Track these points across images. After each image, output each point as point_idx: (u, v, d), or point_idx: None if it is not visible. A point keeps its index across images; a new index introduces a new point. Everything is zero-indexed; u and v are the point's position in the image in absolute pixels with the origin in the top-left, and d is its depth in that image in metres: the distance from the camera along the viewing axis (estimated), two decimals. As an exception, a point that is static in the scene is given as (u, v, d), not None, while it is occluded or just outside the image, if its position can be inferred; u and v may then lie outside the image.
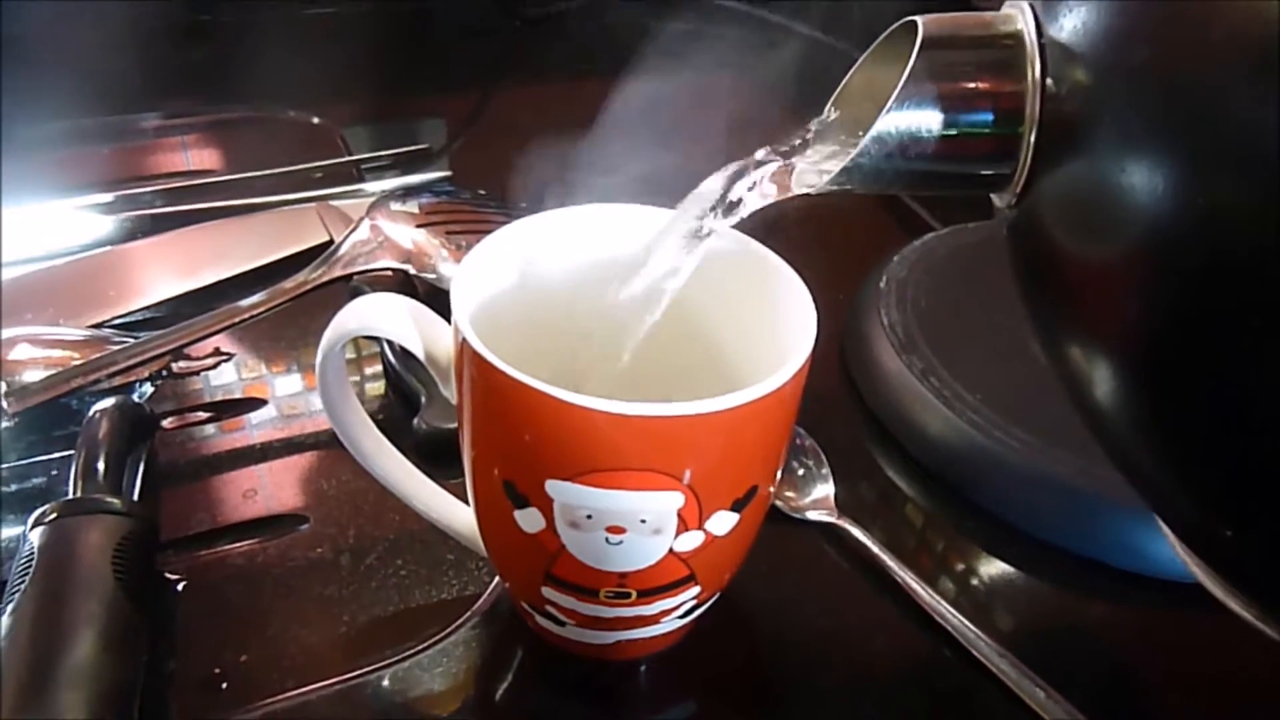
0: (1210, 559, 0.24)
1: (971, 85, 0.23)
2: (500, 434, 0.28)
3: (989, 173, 0.24)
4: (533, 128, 0.66)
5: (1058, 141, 0.22)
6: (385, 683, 0.34)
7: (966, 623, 0.36)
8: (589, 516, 0.27)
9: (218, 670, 0.34)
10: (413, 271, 0.45)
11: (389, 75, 0.74)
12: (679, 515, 0.27)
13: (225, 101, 0.68)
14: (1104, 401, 0.22)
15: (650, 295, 0.29)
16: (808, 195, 0.27)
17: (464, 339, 0.27)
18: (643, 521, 0.27)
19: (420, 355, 0.30)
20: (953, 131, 0.23)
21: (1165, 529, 0.25)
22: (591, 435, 0.26)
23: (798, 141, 0.27)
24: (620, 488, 0.26)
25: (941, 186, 0.25)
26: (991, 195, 0.25)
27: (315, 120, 0.67)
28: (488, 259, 0.31)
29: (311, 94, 0.68)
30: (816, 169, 0.26)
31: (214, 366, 0.47)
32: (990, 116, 0.23)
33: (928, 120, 0.23)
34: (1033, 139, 0.22)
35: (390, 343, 0.44)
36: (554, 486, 0.27)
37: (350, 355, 0.49)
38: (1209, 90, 0.18)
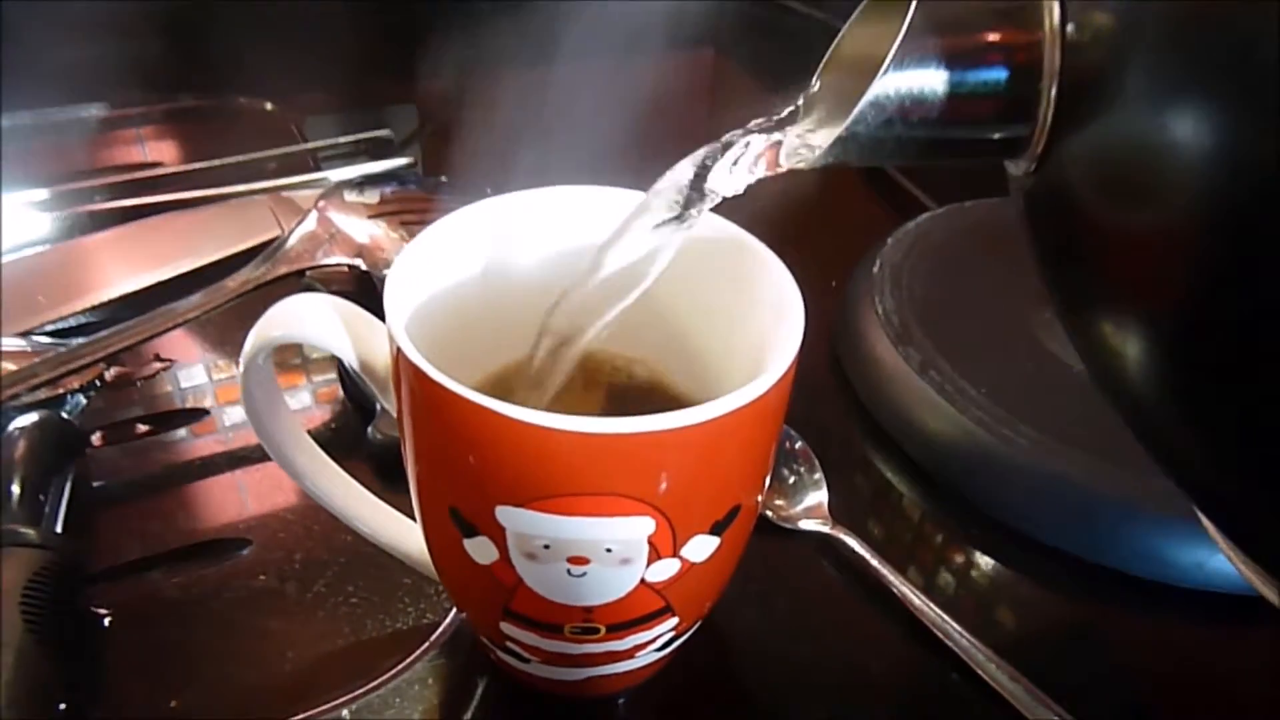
0: (1262, 559, 0.22)
1: (980, 37, 0.20)
2: (442, 455, 0.24)
3: (1003, 136, 0.21)
4: (510, 114, 0.63)
5: (1082, 95, 0.19)
6: (334, 726, 0.30)
7: (973, 640, 0.33)
8: (546, 547, 0.24)
9: (145, 718, 0.30)
10: (363, 267, 0.42)
11: (355, 61, 0.70)
12: (650, 543, 0.24)
13: (174, 90, 0.64)
14: (1144, 384, 0.20)
15: (616, 289, 0.26)
16: (798, 171, 0.24)
17: (398, 347, 0.23)
18: (608, 551, 0.24)
19: (354, 364, 0.26)
20: (960, 91, 0.20)
21: (1211, 528, 0.23)
22: (545, 456, 0.22)
23: (785, 114, 0.24)
24: (581, 514, 0.23)
25: (948, 155, 0.22)
26: (1005, 162, 0.22)
27: (268, 106, 0.63)
28: (428, 252, 0.27)
29: (272, 82, 0.65)
30: (808, 142, 0.24)
31: (152, 375, 0.43)
32: (1003, 72, 0.20)
33: (931, 80, 0.20)
34: (1053, 95, 0.20)
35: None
36: (505, 513, 0.23)
37: (315, 356, 0.45)
38: (1252, 24, 0.15)
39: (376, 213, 0.43)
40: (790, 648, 0.34)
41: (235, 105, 0.63)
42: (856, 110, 0.20)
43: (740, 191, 0.25)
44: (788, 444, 0.39)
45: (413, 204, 0.44)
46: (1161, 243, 0.18)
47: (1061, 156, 0.20)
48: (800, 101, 0.24)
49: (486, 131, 0.62)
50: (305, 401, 0.43)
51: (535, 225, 0.30)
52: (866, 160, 0.22)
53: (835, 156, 0.22)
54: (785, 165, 0.24)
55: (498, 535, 0.24)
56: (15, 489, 0.34)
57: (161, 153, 0.60)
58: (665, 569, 0.25)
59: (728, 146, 0.24)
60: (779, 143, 0.24)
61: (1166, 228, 0.18)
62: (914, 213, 0.52)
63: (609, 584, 0.25)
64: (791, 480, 0.38)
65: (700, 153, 0.25)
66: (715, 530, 0.25)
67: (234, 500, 0.38)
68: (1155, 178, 0.17)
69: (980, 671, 0.32)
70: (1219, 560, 0.35)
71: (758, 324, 0.27)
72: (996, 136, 0.21)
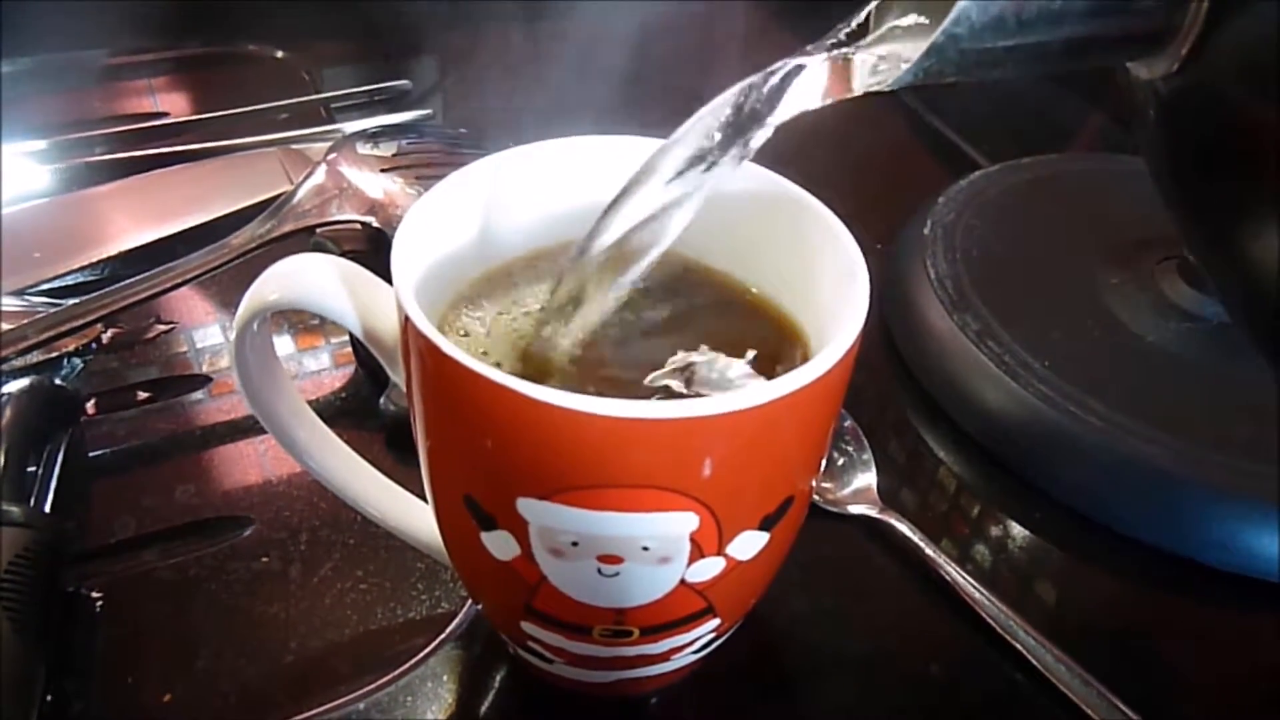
0: None
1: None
2: (456, 438, 0.21)
3: (1143, 27, 0.18)
4: (536, 64, 0.59)
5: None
6: (340, 726, 0.28)
7: (1039, 639, 0.30)
8: (574, 543, 0.21)
9: (135, 714, 0.28)
10: (375, 224, 0.39)
11: (373, 11, 0.66)
12: (692, 540, 0.21)
13: (181, 36, 0.61)
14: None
15: (643, 241, 0.23)
16: (838, 119, 0.20)
17: (406, 316, 0.20)
18: (645, 549, 0.21)
19: (358, 333, 0.23)
20: None
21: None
22: (572, 443, 0.19)
23: (853, 26, 0.21)
24: (614, 509, 0.20)
25: (1066, 60, 0.19)
26: (1131, 65, 0.19)
27: (279, 54, 0.59)
28: (439, 209, 0.24)
29: (285, 32, 0.61)
30: (890, 54, 0.20)
31: (154, 338, 0.40)
32: None
33: None
34: None
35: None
36: (527, 506, 0.20)
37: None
38: None
39: (391, 166, 0.40)
40: (838, 642, 0.31)
41: (245, 53, 0.60)
42: (956, 8, 0.17)
43: (786, 119, 0.21)
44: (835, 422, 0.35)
45: (430, 157, 0.41)
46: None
47: (1220, 48, 0.17)
48: (870, 8, 0.20)
49: (511, 82, 0.59)
50: (323, 363, 0.40)
51: (556, 178, 0.26)
52: (965, 73, 0.18)
53: (925, 71, 0.18)
54: (860, 88, 0.20)
55: (519, 529, 0.21)
56: (0, 461, 0.31)
57: (166, 102, 0.57)
58: (708, 568, 0.22)
59: (776, 71, 0.21)
60: (848, 61, 0.20)
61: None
62: (964, 169, 0.48)
63: (644, 585, 0.22)
64: (840, 461, 0.35)
65: (740, 85, 0.21)
66: (765, 525, 0.22)
67: (236, 474, 0.35)
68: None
69: (1048, 673, 0.29)
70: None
71: (814, 295, 0.24)
72: (1137, 29, 0.18)
